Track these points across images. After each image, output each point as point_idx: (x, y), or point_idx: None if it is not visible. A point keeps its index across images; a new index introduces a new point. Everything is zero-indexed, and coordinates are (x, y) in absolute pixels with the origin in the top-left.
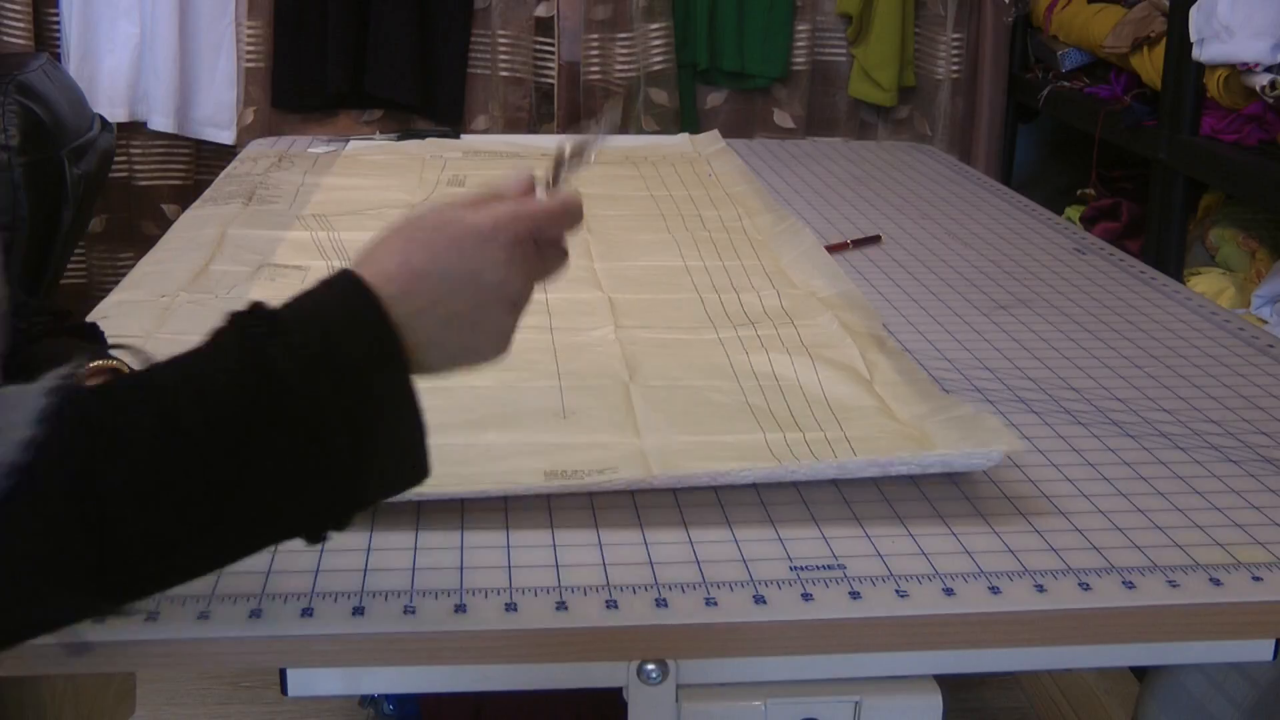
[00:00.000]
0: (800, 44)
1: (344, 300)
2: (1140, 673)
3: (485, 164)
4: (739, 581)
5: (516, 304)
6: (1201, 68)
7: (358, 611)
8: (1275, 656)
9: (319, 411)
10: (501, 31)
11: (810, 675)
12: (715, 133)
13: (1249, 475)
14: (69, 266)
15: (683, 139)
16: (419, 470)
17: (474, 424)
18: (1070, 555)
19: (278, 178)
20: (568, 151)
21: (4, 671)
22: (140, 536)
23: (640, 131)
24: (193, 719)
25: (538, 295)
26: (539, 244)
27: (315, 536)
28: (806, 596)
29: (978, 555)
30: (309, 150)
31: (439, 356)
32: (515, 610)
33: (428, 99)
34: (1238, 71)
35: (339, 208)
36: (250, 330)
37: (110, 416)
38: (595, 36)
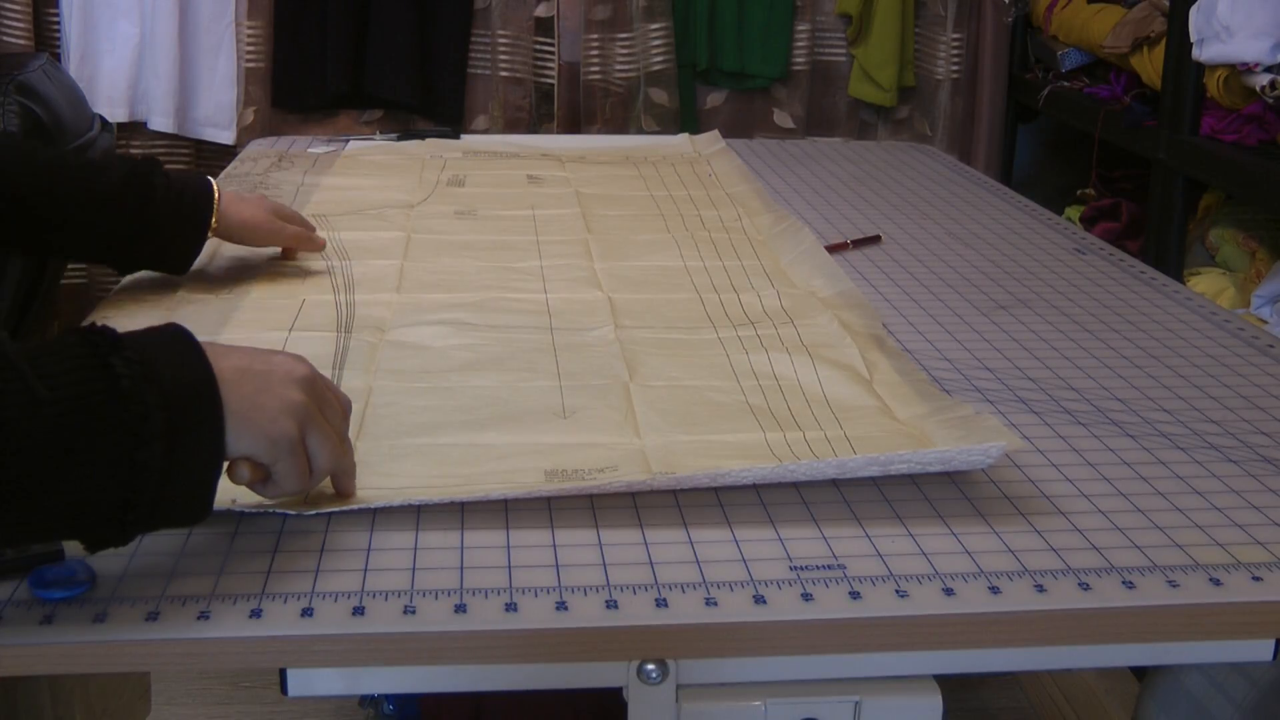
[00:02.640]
0: (800, 44)
1: (171, 340)
2: (1140, 673)
3: (485, 164)
4: (739, 581)
5: (301, 384)
6: (1201, 68)
7: (358, 611)
8: (1275, 656)
9: (144, 417)
10: (501, 31)
11: (810, 675)
12: (715, 133)
13: (1249, 475)
14: (69, 267)
15: (683, 139)
16: (202, 508)
17: (474, 424)
18: (1070, 555)
19: (278, 178)
20: None
21: (3, 671)
22: None
23: (640, 131)
24: (193, 719)
25: (539, 295)
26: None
27: (98, 542)
28: (806, 596)
29: (978, 555)
30: (309, 150)
31: (238, 401)
32: (515, 610)
33: (428, 99)
34: (1238, 71)
35: (339, 208)
36: (95, 340)
37: None
38: (595, 36)
